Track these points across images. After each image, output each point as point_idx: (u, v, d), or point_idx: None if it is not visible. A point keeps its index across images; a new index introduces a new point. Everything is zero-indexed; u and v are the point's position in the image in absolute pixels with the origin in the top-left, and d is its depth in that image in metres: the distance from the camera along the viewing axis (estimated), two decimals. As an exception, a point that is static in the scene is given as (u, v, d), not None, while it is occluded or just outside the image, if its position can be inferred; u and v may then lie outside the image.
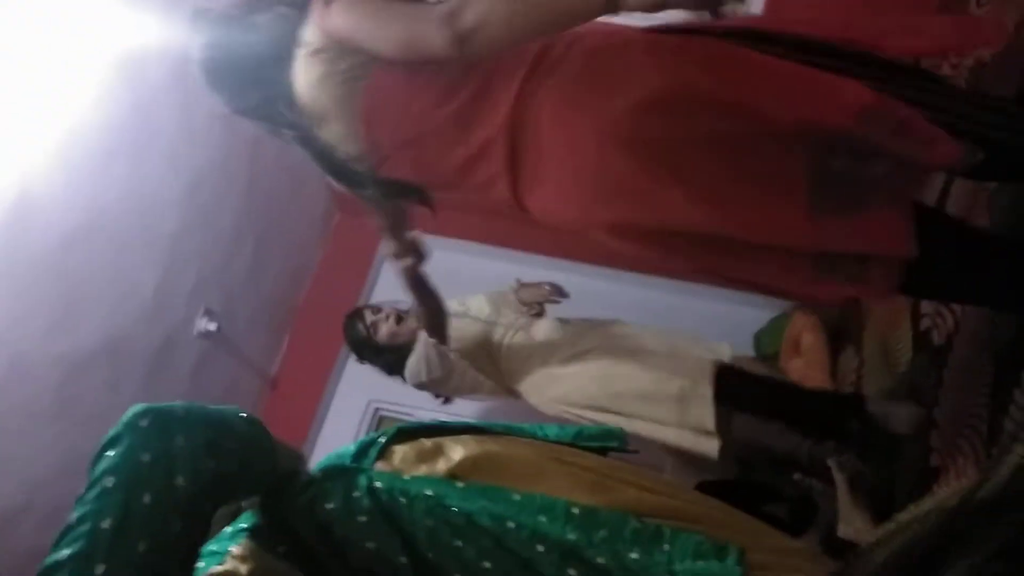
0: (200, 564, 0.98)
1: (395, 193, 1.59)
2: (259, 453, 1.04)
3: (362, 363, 3.08)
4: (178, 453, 0.90)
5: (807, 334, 3.44)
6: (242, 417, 1.04)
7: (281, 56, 1.44)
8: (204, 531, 0.93)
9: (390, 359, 2.92)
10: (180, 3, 3.05)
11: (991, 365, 1.94)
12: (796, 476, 2.89)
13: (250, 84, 1.50)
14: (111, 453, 0.88)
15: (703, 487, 3.10)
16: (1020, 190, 1.91)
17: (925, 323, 2.44)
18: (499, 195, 1.46)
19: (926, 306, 2.46)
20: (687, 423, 2.61)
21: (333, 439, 3.91)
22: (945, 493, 0.59)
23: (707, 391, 2.53)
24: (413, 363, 2.80)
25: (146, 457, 0.88)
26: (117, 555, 0.80)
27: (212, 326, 3.40)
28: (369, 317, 2.95)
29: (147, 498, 0.84)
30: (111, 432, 0.91)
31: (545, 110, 1.36)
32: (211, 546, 1.05)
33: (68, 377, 2.72)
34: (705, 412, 2.57)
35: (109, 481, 0.85)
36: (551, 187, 1.40)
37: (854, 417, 2.57)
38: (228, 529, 1.09)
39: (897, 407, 2.47)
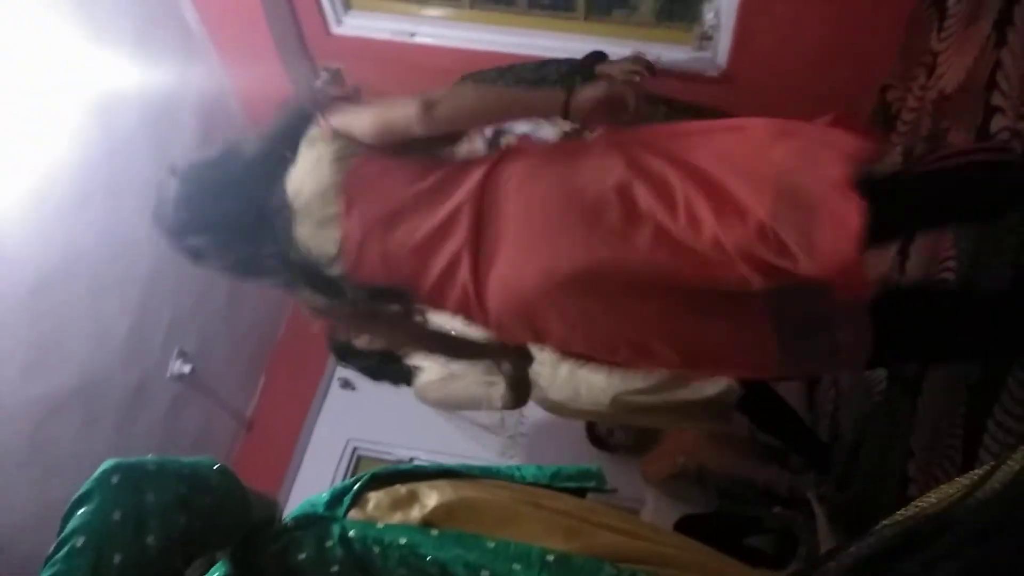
0: None
1: (375, 296, 1.58)
2: (231, 506, 1.03)
3: (345, 366, 2.99)
4: (149, 511, 0.89)
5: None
6: (215, 470, 1.04)
7: (267, 175, 1.51)
8: None
9: (370, 363, 2.80)
10: (152, 46, 3.07)
11: (964, 394, 1.97)
12: (776, 509, 2.89)
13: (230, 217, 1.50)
14: (81, 511, 0.88)
15: (685, 521, 3.11)
16: (983, 234, 1.97)
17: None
18: (462, 280, 1.44)
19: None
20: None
21: (311, 479, 3.87)
22: (931, 500, 0.57)
23: None
24: (462, 398, 2.79)
25: (117, 515, 0.87)
26: None
27: (186, 368, 3.37)
28: None
29: (117, 558, 0.84)
30: (82, 488, 0.91)
31: (513, 180, 1.43)
32: None
33: (42, 421, 2.68)
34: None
35: (79, 540, 0.84)
36: (512, 249, 1.40)
37: None
38: None
39: None
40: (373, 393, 4.21)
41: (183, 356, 3.38)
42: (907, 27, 2.92)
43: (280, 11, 3.36)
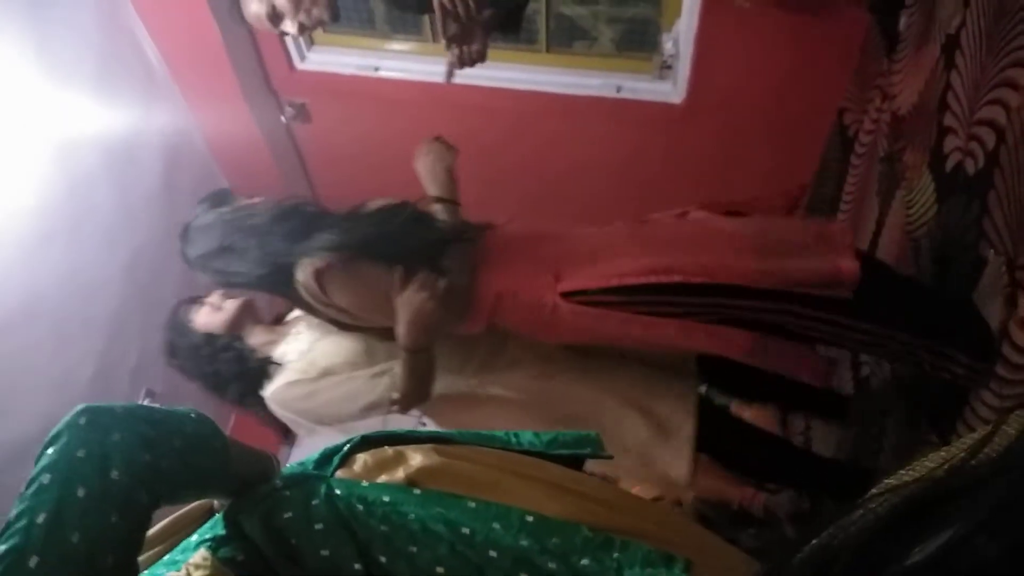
0: (160, 571, 1.02)
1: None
2: (205, 452, 1.05)
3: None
4: (112, 448, 0.92)
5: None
6: (192, 417, 1.06)
7: None
8: (142, 522, 0.94)
9: (225, 366, 2.06)
10: (114, 86, 3.06)
11: (926, 422, 2.00)
12: (752, 531, 2.90)
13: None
14: (50, 451, 0.92)
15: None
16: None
17: (864, 371, 2.51)
18: None
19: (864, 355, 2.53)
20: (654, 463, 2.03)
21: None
22: (929, 463, 0.55)
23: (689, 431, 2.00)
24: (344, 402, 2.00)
25: (81, 453, 0.91)
26: (50, 547, 0.83)
27: (155, 408, 3.31)
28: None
29: (81, 491, 0.88)
30: (52, 432, 0.95)
31: None
32: (175, 555, 1.07)
33: (3, 469, 2.62)
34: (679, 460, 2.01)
35: (45, 478, 0.89)
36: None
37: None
38: (194, 537, 1.10)
39: None
40: (344, 434, 4.18)
41: (151, 396, 3.33)
42: (861, 51, 3.00)
43: (243, 47, 3.36)
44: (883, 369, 2.36)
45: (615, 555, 1.09)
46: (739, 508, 3.26)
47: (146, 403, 3.26)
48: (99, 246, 3.02)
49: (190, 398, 3.71)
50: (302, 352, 2.01)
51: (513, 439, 1.39)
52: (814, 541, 0.50)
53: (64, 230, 2.83)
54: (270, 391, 1.99)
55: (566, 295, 1.74)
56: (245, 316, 2.08)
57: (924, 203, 2.26)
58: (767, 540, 2.81)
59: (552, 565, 1.06)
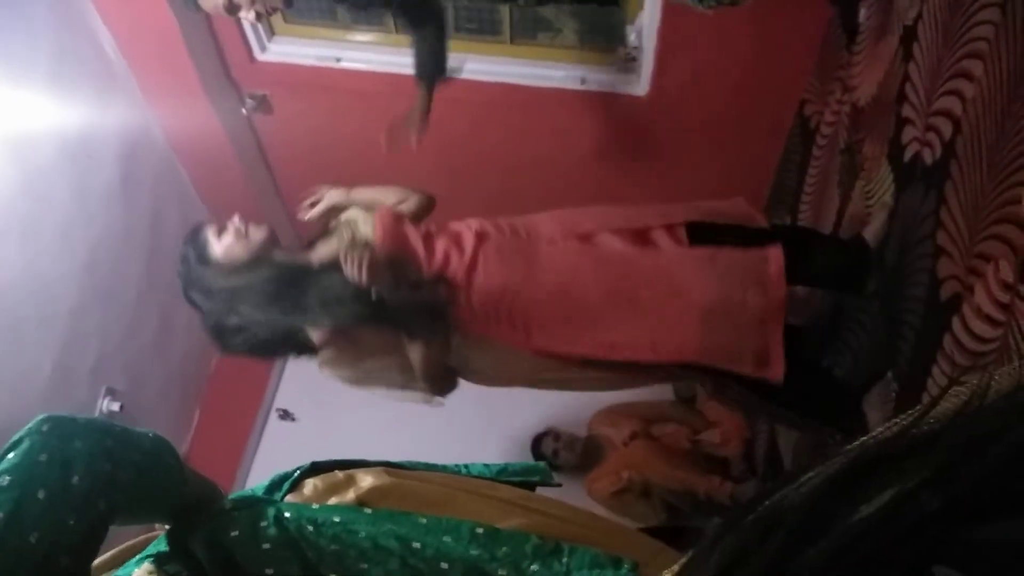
0: None
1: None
2: (162, 469, 1.06)
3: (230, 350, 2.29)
4: (75, 455, 0.93)
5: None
6: (150, 437, 1.07)
7: None
8: (98, 530, 0.94)
9: (258, 336, 2.15)
10: (70, 80, 3.00)
11: (894, 399, 2.03)
12: (717, 520, 2.93)
13: None
14: (11, 455, 0.92)
15: (630, 535, 3.12)
16: None
17: (826, 363, 2.54)
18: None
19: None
20: None
21: (250, 515, 3.77)
22: (881, 428, 0.56)
23: None
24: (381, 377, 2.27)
25: (43, 457, 0.91)
26: (7, 545, 0.84)
27: (115, 406, 3.26)
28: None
29: (41, 494, 0.88)
30: (13, 438, 0.95)
31: None
32: (117, 572, 1.07)
33: (-42, 471, 2.56)
34: None
35: (5, 480, 0.89)
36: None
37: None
38: (136, 557, 1.10)
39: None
40: (313, 424, 4.16)
41: (112, 394, 3.28)
42: (822, 43, 3.02)
43: (202, 39, 3.31)
44: (846, 359, 2.40)
45: (564, 559, 1.11)
46: (706, 497, 3.29)
47: (106, 401, 3.21)
48: (56, 242, 2.95)
49: (150, 395, 3.67)
50: None
51: (463, 469, 1.43)
52: (764, 503, 0.51)
53: (19, 227, 2.77)
54: (324, 358, 2.17)
55: (537, 351, 2.08)
56: None
57: (882, 194, 2.29)
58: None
59: (503, 572, 1.08)
